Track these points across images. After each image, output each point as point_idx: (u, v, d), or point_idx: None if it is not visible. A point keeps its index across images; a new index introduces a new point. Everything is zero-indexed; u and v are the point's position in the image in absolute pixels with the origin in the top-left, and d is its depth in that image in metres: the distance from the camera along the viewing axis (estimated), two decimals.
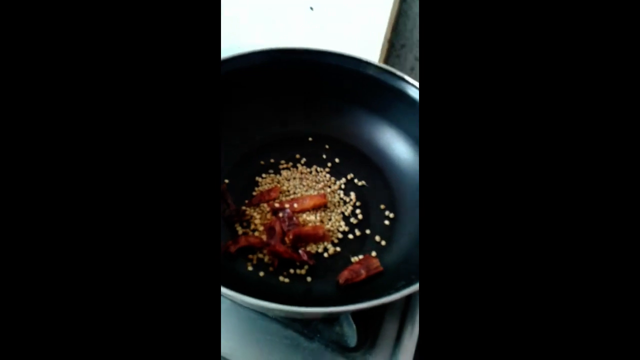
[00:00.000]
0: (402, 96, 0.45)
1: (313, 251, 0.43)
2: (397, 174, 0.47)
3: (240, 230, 0.44)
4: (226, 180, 0.46)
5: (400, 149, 0.47)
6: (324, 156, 0.49)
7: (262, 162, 0.49)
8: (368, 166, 0.48)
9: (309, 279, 0.40)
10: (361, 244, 0.43)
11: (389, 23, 0.57)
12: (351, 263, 0.41)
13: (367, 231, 0.44)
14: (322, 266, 0.42)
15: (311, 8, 0.57)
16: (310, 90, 0.48)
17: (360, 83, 0.46)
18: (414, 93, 0.44)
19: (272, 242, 0.42)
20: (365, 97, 0.48)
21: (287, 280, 0.40)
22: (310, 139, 0.50)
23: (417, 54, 0.61)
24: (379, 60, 0.59)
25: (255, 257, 0.42)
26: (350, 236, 0.44)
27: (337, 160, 0.49)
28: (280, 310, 0.32)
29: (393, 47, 0.62)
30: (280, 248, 0.41)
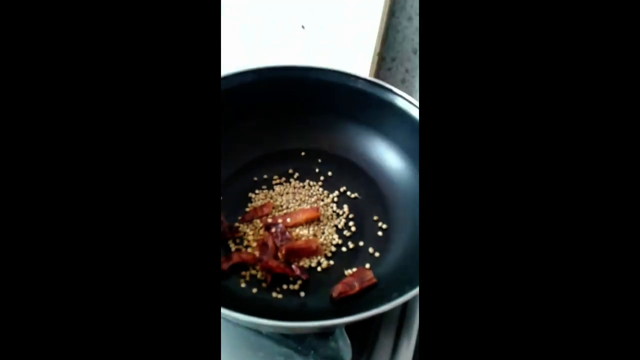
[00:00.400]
0: (392, 108, 0.45)
1: (306, 265, 0.42)
2: (390, 185, 0.46)
3: (233, 247, 0.43)
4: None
5: (392, 160, 0.47)
6: (317, 170, 0.49)
7: (255, 179, 0.48)
8: (361, 178, 0.48)
9: (302, 293, 0.40)
10: (354, 257, 0.43)
11: (379, 37, 0.58)
12: (345, 276, 0.41)
13: (361, 243, 0.44)
14: (316, 280, 0.41)
15: (303, 27, 0.58)
16: (301, 106, 0.48)
17: (351, 97, 0.47)
18: (404, 105, 0.44)
19: (265, 258, 0.41)
20: (356, 110, 0.48)
21: (280, 296, 0.40)
22: (302, 153, 0.50)
23: (408, 67, 0.62)
24: (370, 74, 0.59)
25: (248, 273, 0.42)
26: (344, 249, 0.43)
27: (329, 173, 0.49)
28: (273, 327, 0.32)
29: (384, 60, 0.63)
30: (273, 264, 0.41)
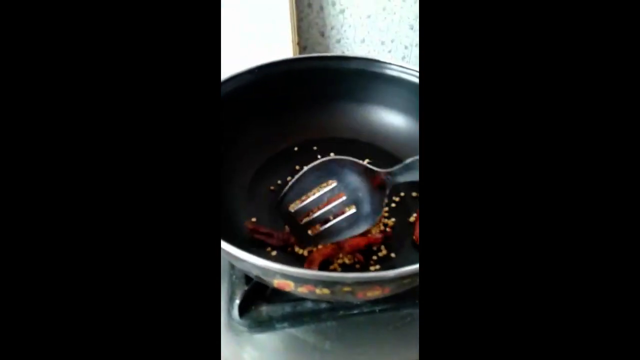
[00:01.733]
0: (386, 78, 0.50)
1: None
2: (404, 149, 0.51)
3: (303, 251, 0.44)
4: (253, 219, 0.46)
5: (394, 121, 0.53)
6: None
7: (271, 188, 0.49)
8: (374, 150, 0.52)
9: (392, 254, 0.44)
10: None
11: (293, 29, 0.62)
12: (413, 224, 0.46)
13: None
14: (395, 237, 0.45)
15: None
16: (299, 98, 0.50)
17: (346, 78, 0.51)
18: (396, 73, 0.50)
19: (343, 242, 0.44)
20: (355, 90, 0.52)
21: (378, 266, 0.43)
22: (314, 147, 0.52)
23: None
24: None
25: (336, 264, 0.43)
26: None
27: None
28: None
29: (305, 50, 0.68)
30: (354, 240, 0.44)
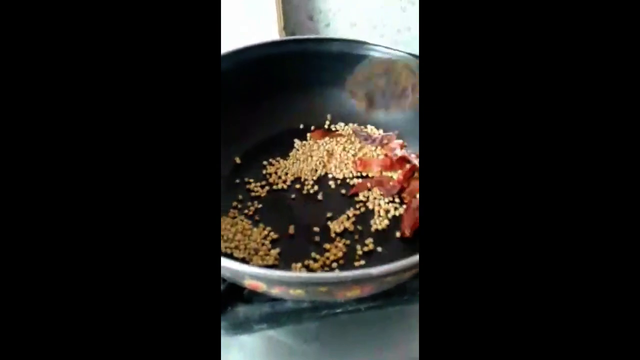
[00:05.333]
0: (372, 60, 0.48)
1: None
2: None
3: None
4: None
5: None
6: None
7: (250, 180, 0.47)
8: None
9: (379, 249, 0.42)
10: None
11: (278, 13, 0.59)
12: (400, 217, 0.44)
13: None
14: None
15: None
16: (283, 84, 0.48)
17: (330, 61, 0.48)
18: (381, 54, 0.47)
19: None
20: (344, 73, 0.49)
21: (363, 262, 0.41)
22: (294, 138, 0.50)
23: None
24: None
25: (323, 260, 0.41)
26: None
27: None
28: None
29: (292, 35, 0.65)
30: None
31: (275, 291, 0.32)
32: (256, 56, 0.46)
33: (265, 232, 0.42)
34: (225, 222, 0.42)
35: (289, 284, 0.30)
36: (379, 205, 0.45)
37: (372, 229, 0.43)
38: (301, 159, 0.48)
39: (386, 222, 0.43)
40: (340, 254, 0.41)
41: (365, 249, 0.41)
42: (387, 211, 0.44)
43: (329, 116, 0.51)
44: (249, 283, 0.32)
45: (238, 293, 0.39)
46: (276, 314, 0.39)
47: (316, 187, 0.46)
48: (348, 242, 0.42)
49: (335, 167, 0.47)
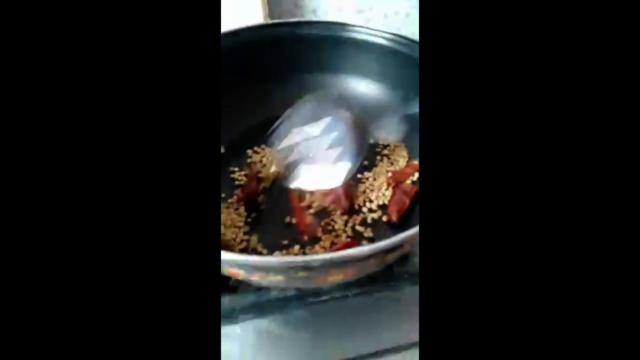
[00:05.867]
0: (355, 43, 0.46)
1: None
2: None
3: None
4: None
5: (368, 91, 0.49)
6: None
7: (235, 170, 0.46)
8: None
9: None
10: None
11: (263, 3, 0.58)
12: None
13: None
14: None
15: None
16: (249, 73, 0.47)
17: (310, 46, 0.47)
18: (364, 36, 0.46)
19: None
20: (310, 59, 0.48)
21: None
22: None
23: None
24: None
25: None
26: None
27: None
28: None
29: None
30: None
31: (255, 278, 0.31)
32: (239, 42, 0.45)
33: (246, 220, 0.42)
34: None
35: (266, 269, 0.29)
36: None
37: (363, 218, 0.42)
38: None
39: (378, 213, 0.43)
40: (327, 243, 0.40)
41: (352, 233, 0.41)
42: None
43: None
44: (227, 270, 0.31)
45: (223, 282, 0.38)
46: (262, 302, 0.38)
47: None
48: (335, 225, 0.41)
49: None
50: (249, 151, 0.47)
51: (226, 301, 0.38)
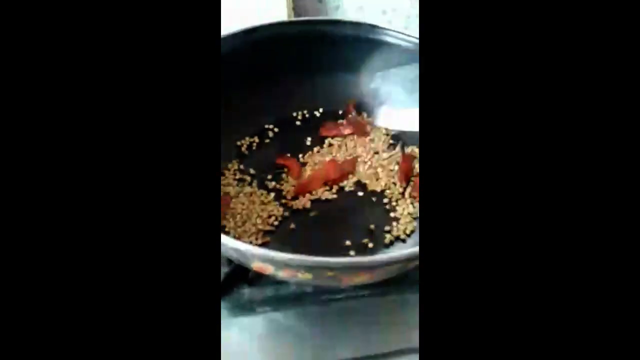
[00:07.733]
0: (381, 44, 0.47)
1: None
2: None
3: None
4: None
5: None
6: None
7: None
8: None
9: None
10: None
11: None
12: None
13: None
14: None
15: None
16: (275, 68, 0.47)
17: (339, 45, 0.47)
18: (391, 39, 0.47)
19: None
20: (337, 58, 0.48)
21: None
22: (297, 122, 0.49)
23: None
24: None
25: None
26: None
27: None
28: None
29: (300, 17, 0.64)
30: None
31: (283, 274, 0.32)
32: (265, 36, 0.45)
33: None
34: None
35: (298, 267, 0.30)
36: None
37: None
38: None
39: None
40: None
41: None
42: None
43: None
44: (256, 265, 0.32)
45: (244, 275, 0.39)
46: (279, 297, 0.39)
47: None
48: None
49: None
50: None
51: (245, 294, 0.39)
